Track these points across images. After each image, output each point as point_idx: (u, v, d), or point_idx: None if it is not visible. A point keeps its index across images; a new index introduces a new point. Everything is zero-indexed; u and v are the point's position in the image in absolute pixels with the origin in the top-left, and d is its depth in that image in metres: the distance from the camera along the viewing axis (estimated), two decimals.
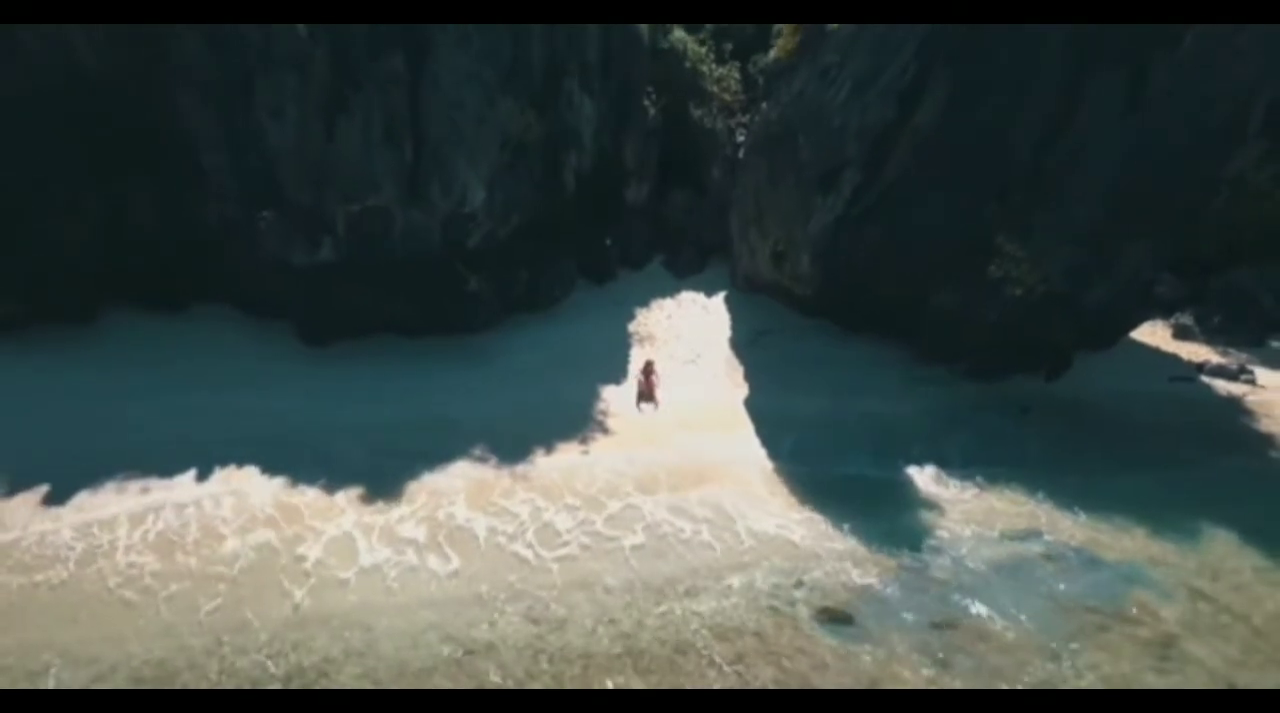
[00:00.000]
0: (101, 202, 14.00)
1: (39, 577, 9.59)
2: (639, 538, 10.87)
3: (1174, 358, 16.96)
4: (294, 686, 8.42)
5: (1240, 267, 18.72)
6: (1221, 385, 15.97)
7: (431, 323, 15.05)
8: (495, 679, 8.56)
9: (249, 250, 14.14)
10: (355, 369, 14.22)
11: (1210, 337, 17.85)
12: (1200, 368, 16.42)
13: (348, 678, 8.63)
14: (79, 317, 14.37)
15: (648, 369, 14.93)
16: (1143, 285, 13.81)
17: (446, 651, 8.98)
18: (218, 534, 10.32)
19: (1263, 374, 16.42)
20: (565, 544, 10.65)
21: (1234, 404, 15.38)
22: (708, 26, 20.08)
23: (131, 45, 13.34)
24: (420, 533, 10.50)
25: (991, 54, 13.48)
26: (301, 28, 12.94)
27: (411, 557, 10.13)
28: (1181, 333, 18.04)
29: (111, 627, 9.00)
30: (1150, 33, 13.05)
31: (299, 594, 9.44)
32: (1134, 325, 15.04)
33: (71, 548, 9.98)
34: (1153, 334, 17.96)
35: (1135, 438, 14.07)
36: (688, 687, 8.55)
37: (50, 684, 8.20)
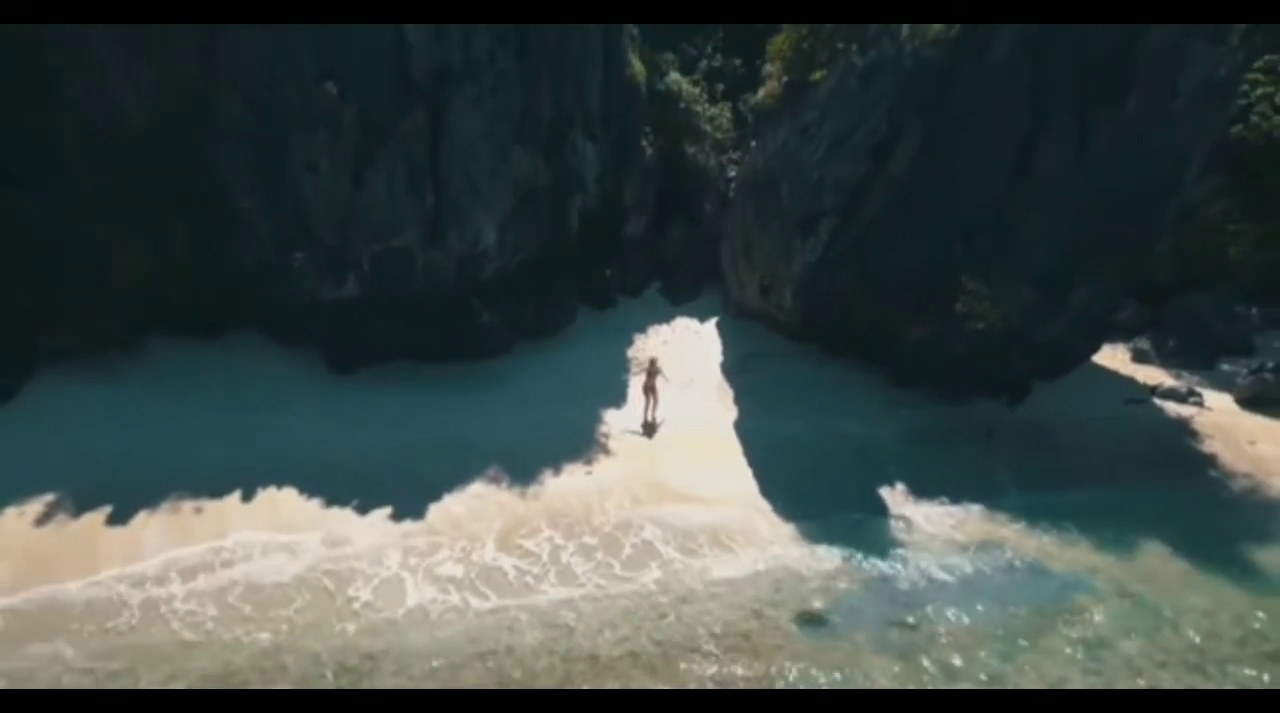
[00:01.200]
0: (147, 242, 15.30)
1: (109, 624, 10.49)
2: (637, 555, 12.24)
3: (1130, 381, 18.39)
4: (343, 680, 9.78)
5: (1195, 294, 20.21)
6: (1172, 407, 17.38)
7: (447, 350, 16.39)
8: (515, 676, 9.93)
9: (281, 286, 15.50)
10: (379, 394, 15.56)
11: (1165, 360, 19.29)
12: (1153, 391, 17.84)
13: (386, 674, 9.97)
14: (126, 345, 15.67)
15: (652, 369, 15.81)
16: (1091, 322, 15.24)
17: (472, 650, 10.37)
18: (273, 583, 11.37)
19: (1211, 396, 17.85)
20: (582, 585, 11.80)
21: (1181, 425, 16.80)
22: (701, 67, 21.56)
23: (177, 101, 14.73)
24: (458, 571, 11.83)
25: (957, 111, 14.94)
26: (332, 88, 14.37)
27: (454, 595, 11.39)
28: (1140, 357, 19.48)
29: (181, 648, 10.26)
30: (1098, 93, 14.56)
31: (352, 629, 10.68)
32: (1084, 358, 16.40)
33: (128, 602, 10.83)
34: (1113, 357, 19.38)
35: (1089, 459, 15.47)
36: (682, 674, 9.93)
37: (140, 683, 9.54)
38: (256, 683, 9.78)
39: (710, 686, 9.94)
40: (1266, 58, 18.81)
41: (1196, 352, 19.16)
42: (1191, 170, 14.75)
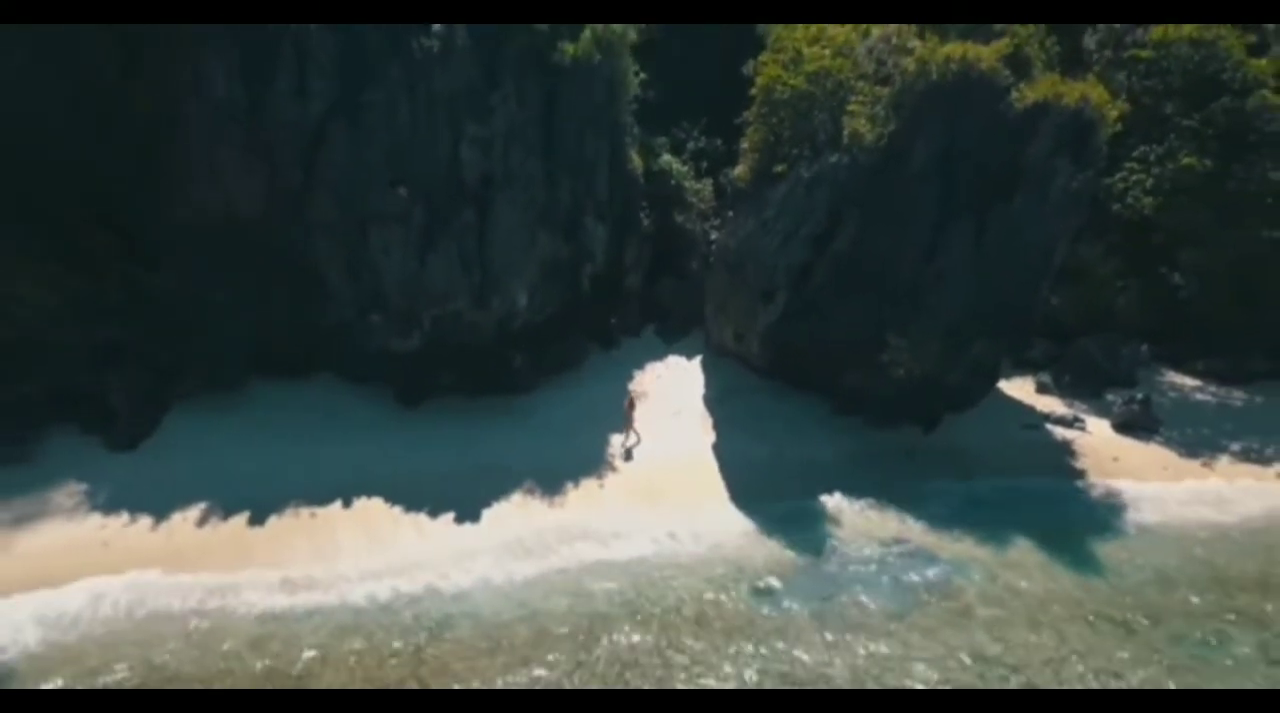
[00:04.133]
0: (252, 306, 19.54)
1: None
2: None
3: (1030, 409, 22.88)
4: (414, 638, 14.02)
5: (1090, 336, 24.72)
6: (1059, 431, 21.87)
7: (487, 388, 20.69)
8: (562, 630, 14.30)
9: (359, 339, 19.82)
10: (436, 424, 19.79)
11: (1062, 391, 23.74)
12: (1046, 418, 22.32)
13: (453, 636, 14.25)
14: (235, 386, 19.93)
15: (630, 404, 20.62)
16: (985, 370, 19.74)
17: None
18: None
19: (1093, 422, 22.35)
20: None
21: (1064, 446, 21.31)
22: (689, 148, 25.96)
23: (280, 199, 18.98)
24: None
25: (885, 204, 19.36)
26: (403, 191, 18.71)
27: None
28: (1042, 388, 23.93)
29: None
30: (992, 194, 19.04)
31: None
32: (981, 396, 20.82)
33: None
34: (1021, 389, 23.86)
35: (986, 473, 19.96)
36: (670, 631, 14.34)
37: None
38: None
39: (688, 638, 14.37)
40: (1141, 148, 23.31)
41: (1087, 384, 23.65)
42: (1058, 255, 19.27)
